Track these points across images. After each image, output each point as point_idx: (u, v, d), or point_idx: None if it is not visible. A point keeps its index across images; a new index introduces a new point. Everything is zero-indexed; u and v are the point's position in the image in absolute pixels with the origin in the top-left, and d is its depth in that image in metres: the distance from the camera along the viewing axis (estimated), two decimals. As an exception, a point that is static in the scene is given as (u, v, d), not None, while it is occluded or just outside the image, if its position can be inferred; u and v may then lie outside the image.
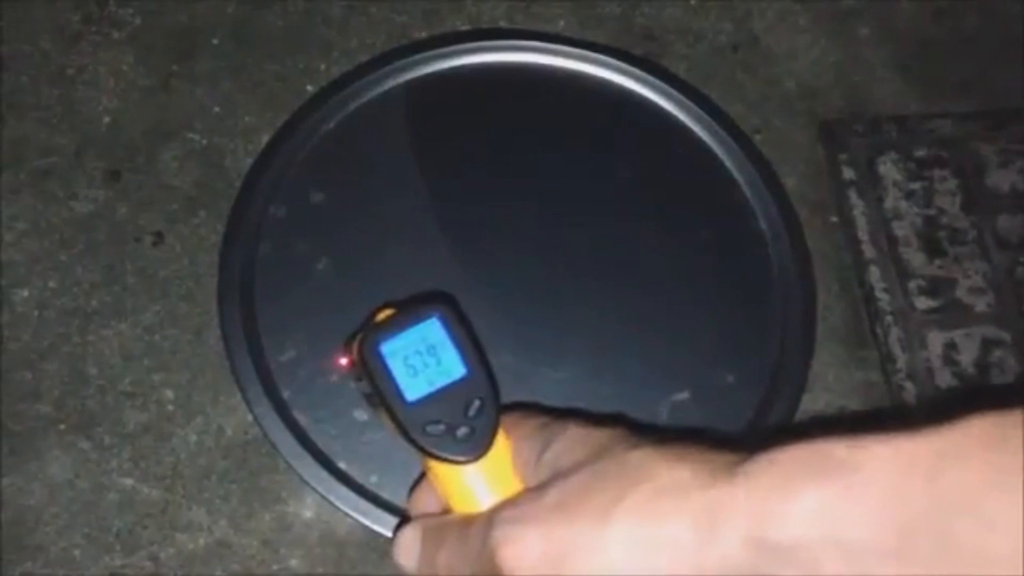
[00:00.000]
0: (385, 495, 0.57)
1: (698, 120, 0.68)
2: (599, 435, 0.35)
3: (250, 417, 0.58)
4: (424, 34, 0.71)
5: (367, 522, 0.56)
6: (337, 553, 0.56)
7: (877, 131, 0.67)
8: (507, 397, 0.58)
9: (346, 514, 0.56)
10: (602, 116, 0.68)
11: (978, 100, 0.70)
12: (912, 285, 0.62)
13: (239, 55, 0.69)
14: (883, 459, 0.28)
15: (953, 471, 0.27)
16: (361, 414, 0.59)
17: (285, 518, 0.57)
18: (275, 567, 0.56)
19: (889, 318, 0.61)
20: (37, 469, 0.57)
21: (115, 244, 0.63)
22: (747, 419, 0.60)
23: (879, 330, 0.62)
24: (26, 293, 0.61)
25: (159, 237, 0.63)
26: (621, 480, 0.32)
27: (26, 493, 0.56)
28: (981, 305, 0.62)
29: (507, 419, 0.39)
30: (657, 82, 0.69)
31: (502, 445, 0.38)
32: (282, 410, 0.58)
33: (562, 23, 0.72)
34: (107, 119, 0.66)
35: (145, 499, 0.57)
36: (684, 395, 0.61)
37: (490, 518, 0.34)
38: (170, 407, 0.59)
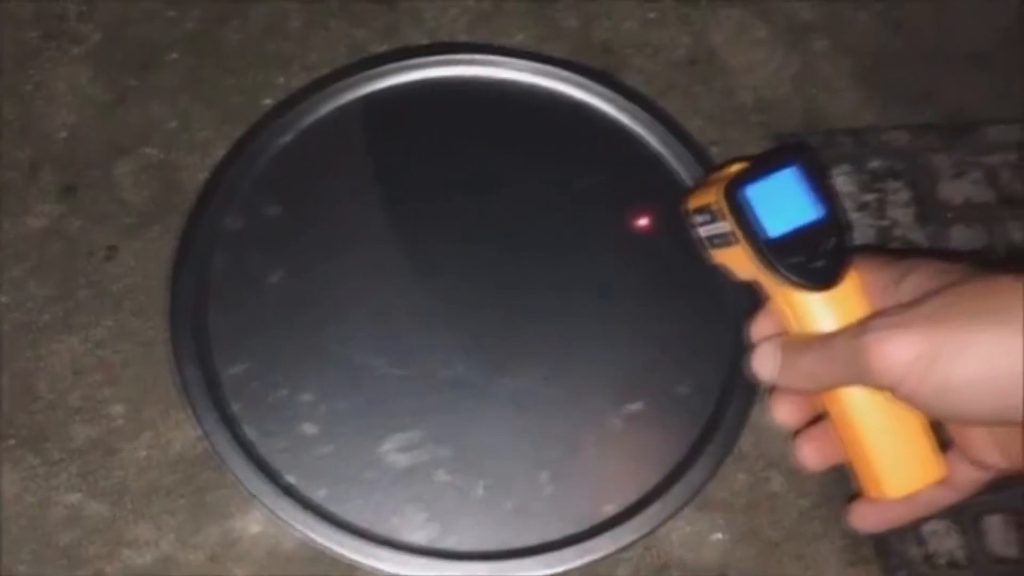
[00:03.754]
0: (332, 509, 0.57)
1: (655, 133, 0.68)
2: (956, 266, 0.38)
3: (199, 432, 0.58)
4: (384, 48, 0.71)
5: (313, 536, 0.56)
6: (283, 568, 0.56)
7: (831, 143, 0.67)
8: (460, 404, 0.59)
9: (293, 528, 0.56)
10: (560, 129, 0.69)
11: (934, 112, 0.70)
12: (865, 297, 0.62)
13: (197, 69, 0.69)
14: None
15: None
16: (310, 427, 0.59)
17: (232, 533, 0.57)
18: (221, 582, 0.55)
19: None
20: (-15, 484, 0.57)
21: (68, 259, 0.63)
22: (699, 429, 0.60)
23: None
24: (-22, 308, 0.61)
25: (112, 251, 0.63)
26: (988, 297, 0.35)
27: (-27, 508, 0.56)
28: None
29: (860, 256, 0.42)
30: (614, 95, 0.69)
31: (854, 280, 0.41)
32: (231, 424, 0.58)
33: (521, 36, 0.72)
34: (64, 134, 0.66)
35: (92, 514, 0.57)
36: (638, 405, 0.61)
37: (863, 325, 0.37)
38: (119, 422, 0.59)
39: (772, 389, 0.45)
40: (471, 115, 0.68)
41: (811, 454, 0.44)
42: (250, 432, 0.58)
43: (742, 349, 0.61)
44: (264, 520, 0.57)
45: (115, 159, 0.66)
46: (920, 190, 0.66)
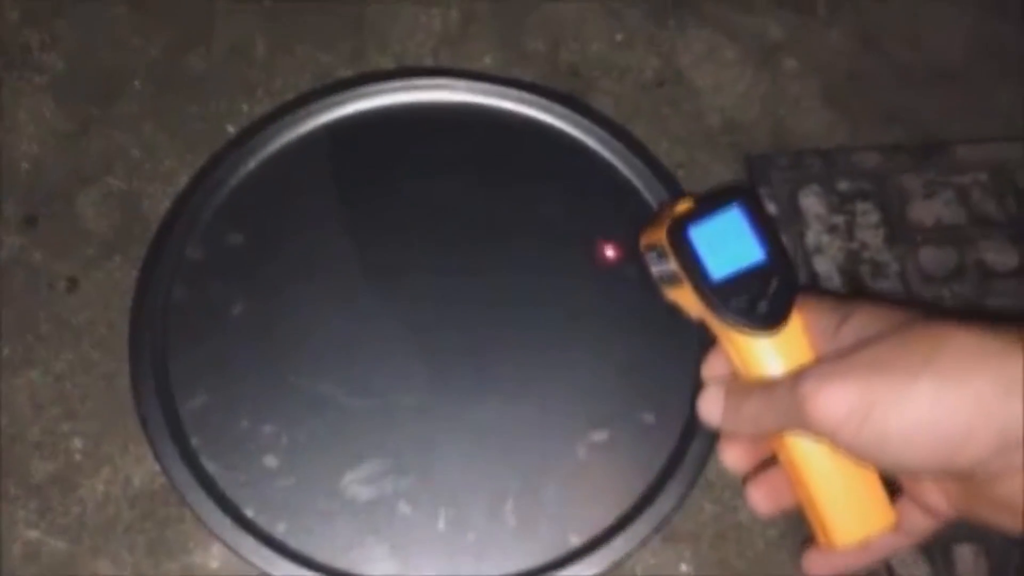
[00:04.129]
0: (292, 544, 0.56)
1: (621, 157, 0.67)
2: (896, 311, 0.38)
3: (158, 466, 0.57)
4: (350, 73, 0.71)
5: (272, 572, 0.55)
6: (243, 604, 0.55)
7: (800, 164, 0.67)
8: (423, 434, 0.59)
9: (253, 564, 0.55)
10: (527, 153, 0.68)
11: (905, 131, 0.70)
12: (832, 321, 0.61)
13: (161, 98, 0.69)
14: None
15: None
16: (271, 459, 0.58)
17: (192, 569, 0.56)
18: (180, 619, 0.55)
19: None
20: (-58, 522, 0.56)
21: (29, 291, 0.62)
22: (665, 458, 0.59)
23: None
24: (-63, 342, 0.61)
25: (73, 283, 0.63)
26: (927, 345, 0.35)
27: (-72, 546, 0.56)
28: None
29: (803, 299, 0.42)
30: (580, 119, 0.68)
31: (797, 322, 0.41)
32: (190, 458, 0.57)
33: (488, 59, 0.72)
34: (26, 165, 0.66)
35: (51, 551, 0.56)
36: (603, 434, 0.60)
37: (802, 373, 0.37)
38: (78, 457, 0.58)
39: (720, 433, 0.44)
40: (435, 140, 0.68)
41: (761, 499, 0.43)
42: (210, 466, 0.58)
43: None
44: (223, 555, 0.56)
45: (77, 190, 0.66)
46: (890, 211, 0.65)
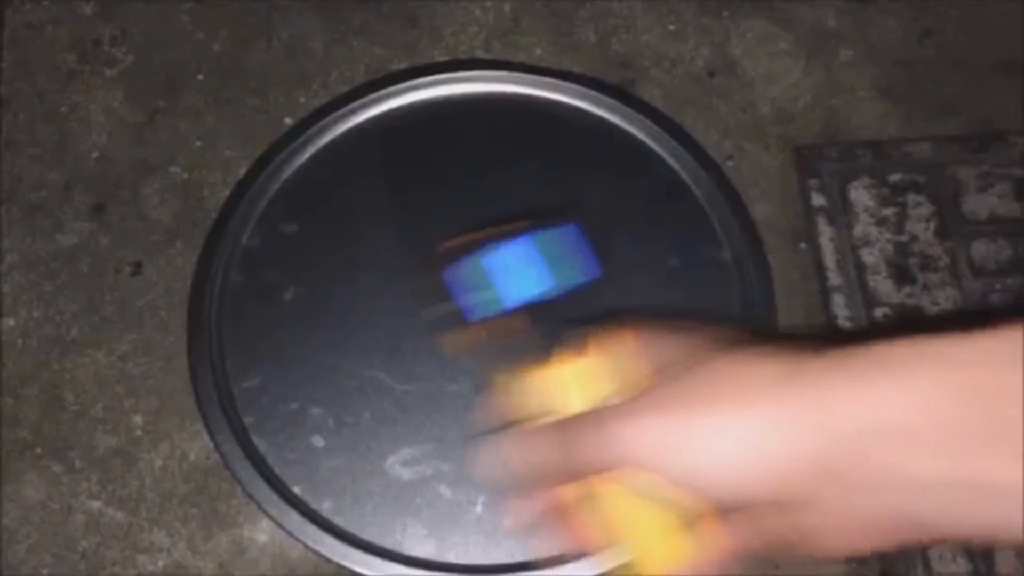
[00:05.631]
0: (337, 522, 0.58)
1: (669, 149, 0.67)
2: (688, 342, 0.38)
3: (212, 443, 0.60)
4: (403, 65, 0.72)
5: (317, 548, 0.57)
6: (288, 577, 0.58)
7: (851, 156, 0.66)
8: (464, 422, 0.60)
9: (298, 539, 0.57)
10: (575, 144, 0.69)
11: (962, 123, 0.68)
12: (878, 313, 0.61)
13: (222, 90, 0.71)
14: (936, 360, 0.31)
15: (997, 372, 0.29)
16: (319, 440, 0.60)
17: (241, 542, 0.58)
18: (229, 590, 0.57)
19: (852, 348, 0.60)
20: (13, 491, 0.60)
21: (96, 275, 0.66)
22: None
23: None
24: (12, 322, 0.64)
25: (138, 268, 0.66)
26: (711, 382, 0.35)
27: (1, 514, 0.59)
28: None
29: (598, 332, 0.41)
30: (629, 111, 0.69)
31: (593, 355, 0.40)
32: (242, 436, 0.60)
33: (539, 51, 0.73)
34: (96, 154, 0.69)
35: (110, 521, 0.59)
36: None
37: (601, 412, 0.37)
38: (138, 432, 0.61)
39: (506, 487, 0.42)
40: (485, 131, 0.69)
41: (573, 538, 0.41)
42: (261, 444, 0.60)
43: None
44: (271, 530, 0.58)
45: (143, 178, 0.69)
46: (942, 204, 0.64)
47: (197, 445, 0.61)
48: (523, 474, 0.40)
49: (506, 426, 0.42)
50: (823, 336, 0.61)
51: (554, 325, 0.40)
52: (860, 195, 0.65)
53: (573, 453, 0.38)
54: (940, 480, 0.31)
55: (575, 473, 0.39)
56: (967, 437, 0.30)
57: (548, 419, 0.40)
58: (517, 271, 0.40)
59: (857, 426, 0.31)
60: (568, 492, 0.41)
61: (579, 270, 0.41)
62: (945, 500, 0.31)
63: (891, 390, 0.31)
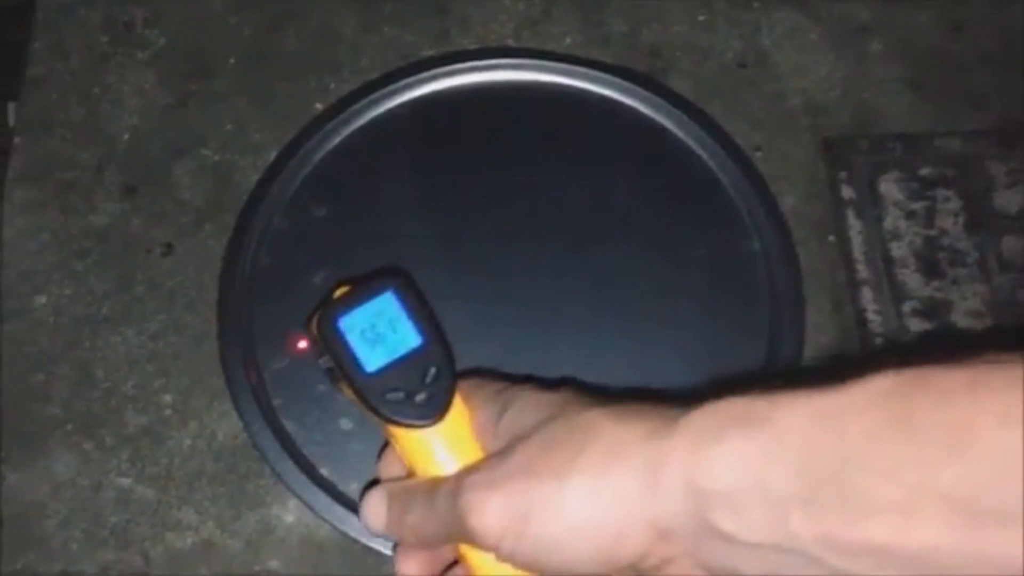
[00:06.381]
0: (363, 503, 0.58)
1: (698, 139, 0.68)
2: (551, 399, 0.38)
3: (241, 423, 0.60)
4: (433, 53, 0.73)
5: (344, 528, 0.58)
6: (315, 556, 0.58)
7: (881, 149, 0.66)
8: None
9: (325, 520, 0.58)
10: (604, 134, 0.69)
11: (993, 117, 0.68)
12: (906, 307, 0.61)
13: (254, 74, 0.72)
14: (799, 413, 0.31)
15: (855, 423, 0.29)
16: (347, 423, 0.61)
17: (268, 521, 0.59)
18: (256, 568, 0.58)
19: (879, 340, 0.60)
20: (43, 467, 0.60)
21: (127, 255, 0.66)
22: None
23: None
24: (44, 300, 0.65)
25: (169, 248, 0.66)
26: (573, 442, 0.34)
27: (32, 489, 0.60)
28: (978, 328, 0.60)
29: (464, 386, 0.41)
30: (659, 100, 0.69)
31: (460, 411, 0.40)
32: (271, 417, 0.60)
33: (568, 40, 0.73)
34: (127, 136, 0.70)
35: (140, 498, 0.60)
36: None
37: (456, 484, 0.36)
38: (168, 411, 0.62)
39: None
40: (515, 120, 0.69)
41: None
42: (289, 425, 0.61)
43: (778, 360, 0.61)
44: (298, 510, 0.59)
45: (174, 160, 0.69)
46: (972, 198, 0.64)
47: (226, 425, 0.61)
48: (398, 536, 0.41)
49: (386, 479, 0.43)
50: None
51: (416, 384, 0.39)
52: (890, 188, 0.65)
53: (424, 522, 0.38)
54: (760, 544, 0.30)
55: (447, 542, 0.38)
56: (788, 500, 0.30)
57: (410, 481, 0.40)
58: (380, 330, 0.40)
59: (728, 482, 0.31)
60: (440, 555, 0.41)
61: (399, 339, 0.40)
62: (767, 565, 0.31)
63: (719, 452, 0.31)
